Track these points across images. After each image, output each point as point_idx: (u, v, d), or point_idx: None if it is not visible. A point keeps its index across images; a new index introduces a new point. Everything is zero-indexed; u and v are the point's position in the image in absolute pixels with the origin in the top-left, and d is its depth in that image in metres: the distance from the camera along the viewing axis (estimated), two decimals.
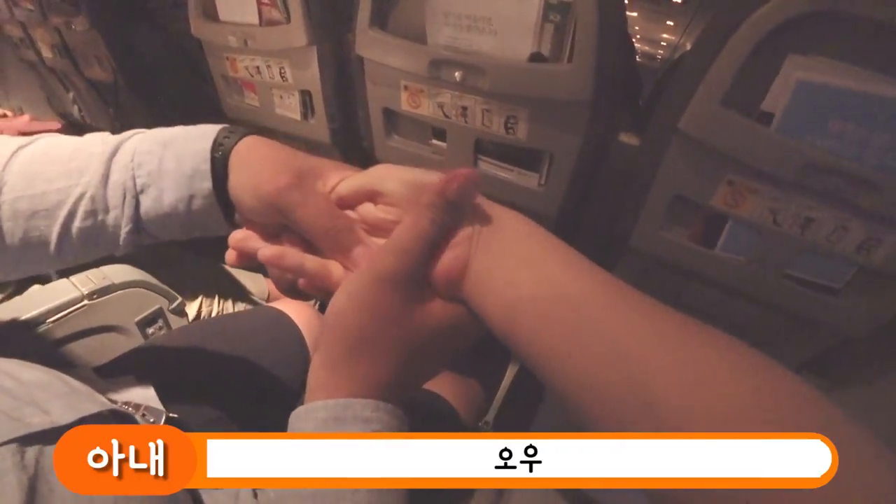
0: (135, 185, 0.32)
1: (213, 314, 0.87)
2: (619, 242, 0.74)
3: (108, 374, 0.44)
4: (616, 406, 0.22)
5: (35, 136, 0.32)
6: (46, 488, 0.26)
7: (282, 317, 0.65)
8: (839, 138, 0.48)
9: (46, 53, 1.73)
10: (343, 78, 0.90)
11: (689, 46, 0.54)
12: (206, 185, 0.32)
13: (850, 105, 0.46)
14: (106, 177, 0.31)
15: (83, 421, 0.30)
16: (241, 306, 0.95)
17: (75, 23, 1.36)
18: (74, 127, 1.87)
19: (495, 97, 0.69)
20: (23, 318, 0.57)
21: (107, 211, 0.32)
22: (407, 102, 0.79)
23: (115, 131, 0.35)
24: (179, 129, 0.34)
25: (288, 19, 0.85)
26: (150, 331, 0.70)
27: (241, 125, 0.35)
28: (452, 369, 0.79)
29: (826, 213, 0.54)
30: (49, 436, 0.28)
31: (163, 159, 0.32)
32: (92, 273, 0.66)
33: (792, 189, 0.54)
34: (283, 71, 0.95)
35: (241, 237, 0.34)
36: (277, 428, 0.57)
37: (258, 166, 0.31)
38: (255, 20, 0.89)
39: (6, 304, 0.59)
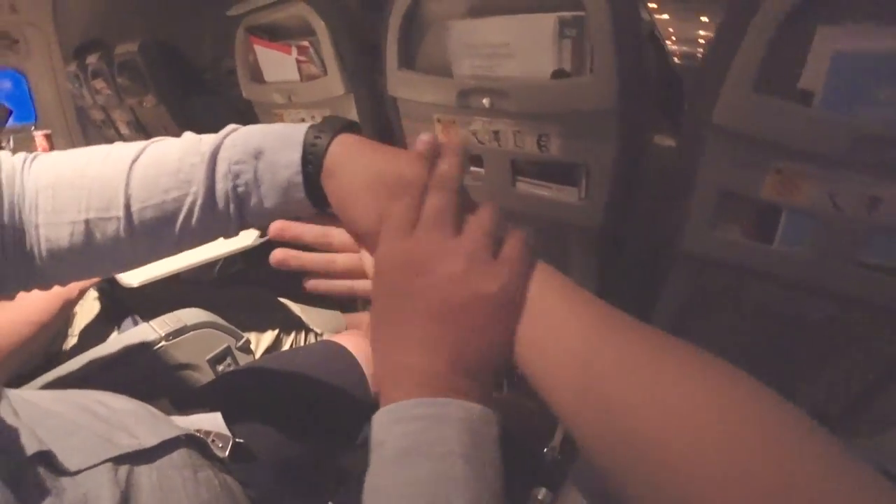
0: (237, 194, 0.35)
1: (278, 350, 0.91)
2: (669, 247, 0.71)
3: (183, 407, 0.48)
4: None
5: (141, 148, 0.37)
6: (135, 503, 0.29)
7: (341, 350, 0.68)
8: (891, 105, 0.45)
9: (123, 130, 1.98)
10: (381, 119, 0.95)
11: None
12: (301, 194, 0.35)
13: None
14: (211, 188, 0.35)
15: (165, 443, 0.34)
16: (303, 342, 0.99)
17: (145, 100, 1.55)
18: None
19: (524, 117, 0.70)
20: (113, 357, 0.64)
21: (216, 214, 0.36)
22: (442, 134, 0.82)
23: None
24: (269, 135, 0.36)
25: (325, 72, 0.92)
26: (219, 368, 0.75)
27: None
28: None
29: (892, 188, 0.50)
30: (137, 457, 0.32)
31: (257, 170, 0.35)
32: (168, 317, 0.73)
33: (848, 168, 0.50)
34: None
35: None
36: (337, 450, 0.58)
37: (352, 193, 0.33)
38: (296, 77, 0.97)
39: (102, 345, 0.66)
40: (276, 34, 0.99)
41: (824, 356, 0.77)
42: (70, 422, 0.32)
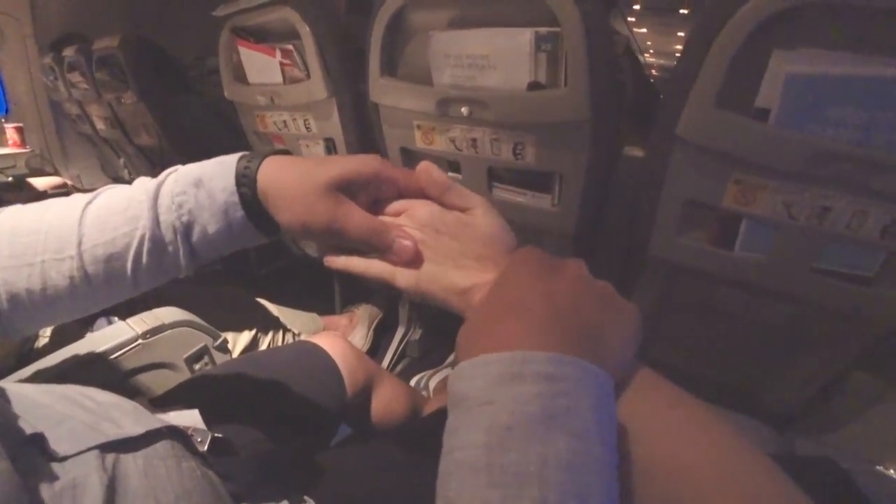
0: (182, 223, 0.37)
1: (255, 350, 0.92)
2: (638, 253, 0.75)
3: (160, 405, 0.48)
4: None
5: (97, 192, 0.38)
6: (122, 489, 0.30)
7: (317, 349, 0.68)
8: (841, 125, 0.49)
9: (100, 126, 1.93)
10: (362, 124, 0.96)
11: None
12: (240, 214, 0.37)
13: (846, 90, 0.47)
14: (156, 220, 0.36)
15: (149, 433, 0.35)
16: (281, 342, 1.00)
17: (124, 97, 1.53)
18: None
19: (501, 127, 0.73)
20: (90, 355, 0.64)
21: (165, 247, 0.37)
22: (421, 140, 0.84)
23: None
24: (206, 166, 0.38)
25: (308, 76, 0.92)
26: (196, 366, 0.75)
27: None
28: None
29: (841, 200, 0.54)
30: (123, 445, 0.33)
31: (197, 198, 0.37)
32: (145, 315, 0.73)
33: (802, 181, 0.54)
34: (307, 122, 1.03)
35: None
36: (313, 447, 0.59)
37: (290, 200, 0.35)
38: (280, 80, 0.97)
39: (78, 342, 0.66)
40: (260, 36, 0.99)
41: (784, 358, 0.81)
42: (57, 412, 0.33)
